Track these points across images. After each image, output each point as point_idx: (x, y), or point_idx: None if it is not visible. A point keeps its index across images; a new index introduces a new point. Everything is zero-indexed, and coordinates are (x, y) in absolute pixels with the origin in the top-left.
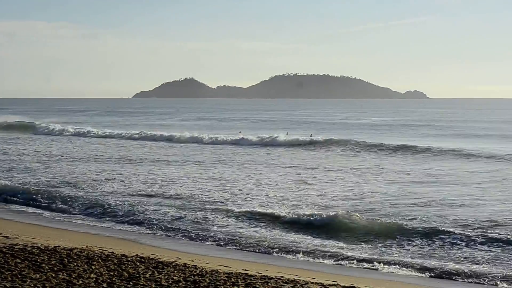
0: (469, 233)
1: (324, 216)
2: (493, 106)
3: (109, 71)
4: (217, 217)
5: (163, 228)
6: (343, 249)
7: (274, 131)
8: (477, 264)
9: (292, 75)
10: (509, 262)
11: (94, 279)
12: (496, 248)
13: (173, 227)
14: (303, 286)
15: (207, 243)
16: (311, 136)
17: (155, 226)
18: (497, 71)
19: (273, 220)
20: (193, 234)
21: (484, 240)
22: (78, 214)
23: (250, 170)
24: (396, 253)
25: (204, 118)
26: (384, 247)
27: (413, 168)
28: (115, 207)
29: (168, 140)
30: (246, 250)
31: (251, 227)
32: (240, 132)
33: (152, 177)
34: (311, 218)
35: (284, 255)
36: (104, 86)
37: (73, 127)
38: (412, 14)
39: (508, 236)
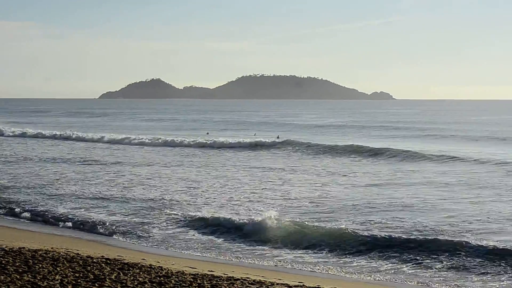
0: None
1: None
2: (457, 107)
3: (75, 72)
4: (163, 220)
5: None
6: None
7: (241, 132)
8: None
9: (259, 75)
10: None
11: (59, 280)
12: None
13: (116, 228)
14: (269, 287)
15: (144, 244)
16: (278, 137)
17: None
18: (463, 72)
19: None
20: (134, 236)
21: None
22: (29, 218)
23: (216, 172)
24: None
25: (170, 119)
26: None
27: (358, 169)
28: (70, 210)
29: (134, 143)
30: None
31: (194, 231)
32: (207, 133)
33: (114, 179)
34: (244, 223)
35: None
36: (70, 87)
37: (32, 129)
38: (378, 15)
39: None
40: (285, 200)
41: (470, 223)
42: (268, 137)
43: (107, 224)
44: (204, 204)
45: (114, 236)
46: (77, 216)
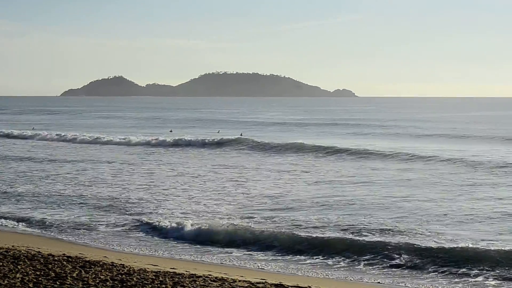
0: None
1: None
2: (418, 104)
3: (36, 69)
4: (112, 220)
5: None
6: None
7: (205, 130)
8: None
9: (221, 73)
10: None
11: (20, 279)
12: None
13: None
14: (231, 284)
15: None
16: (241, 135)
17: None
18: (425, 69)
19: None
20: (87, 233)
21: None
22: None
23: (177, 170)
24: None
25: (133, 117)
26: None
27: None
28: (29, 209)
29: (95, 142)
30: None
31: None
32: (171, 131)
33: (75, 178)
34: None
35: None
36: (31, 84)
37: None
38: (340, 13)
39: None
40: (244, 199)
41: (419, 223)
42: (231, 134)
43: (65, 222)
44: (161, 203)
45: (70, 234)
46: (35, 215)
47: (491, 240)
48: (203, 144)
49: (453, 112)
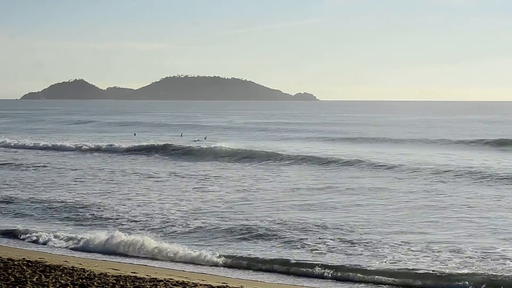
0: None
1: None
2: (376, 108)
3: None
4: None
5: None
6: None
7: (168, 132)
8: None
9: (182, 76)
10: None
11: None
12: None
13: None
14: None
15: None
16: (181, 135)
17: None
18: (387, 73)
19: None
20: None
21: None
22: None
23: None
24: None
25: (95, 121)
26: None
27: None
28: None
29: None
30: None
31: None
32: (134, 134)
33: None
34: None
35: None
36: None
37: None
38: (302, 16)
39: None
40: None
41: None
42: (194, 137)
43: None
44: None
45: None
46: None
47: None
48: (153, 149)
49: (408, 115)
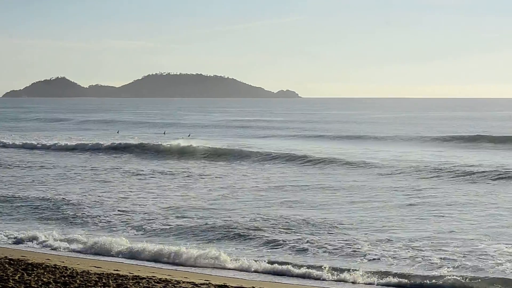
0: None
1: None
2: (357, 105)
3: None
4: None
5: None
6: None
7: (151, 129)
8: None
9: (165, 74)
10: None
11: None
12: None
13: None
14: (175, 285)
15: None
16: (164, 133)
17: None
18: (368, 70)
19: None
20: None
21: None
22: None
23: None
24: None
25: (73, 119)
26: None
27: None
28: None
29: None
30: None
31: None
32: (118, 132)
33: None
34: None
35: None
36: None
37: None
38: (285, 14)
39: None
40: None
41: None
42: (176, 135)
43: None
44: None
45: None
46: None
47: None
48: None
49: (380, 112)
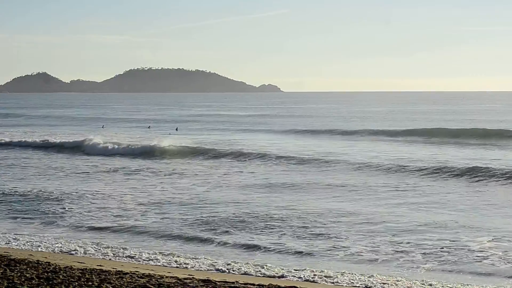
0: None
1: None
2: (339, 99)
3: None
4: None
5: None
6: None
7: (134, 123)
8: None
9: (146, 69)
10: None
11: None
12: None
13: None
14: (158, 280)
15: None
16: (149, 127)
17: None
18: (351, 65)
19: None
20: None
21: None
22: None
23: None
24: None
25: (53, 115)
26: None
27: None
28: None
29: None
30: None
31: None
32: (103, 127)
33: None
34: None
35: None
36: None
37: None
38: (264, 8)
39: None
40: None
41: None
42: (161, 129)
43: None
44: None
45: None
46: None
47: None
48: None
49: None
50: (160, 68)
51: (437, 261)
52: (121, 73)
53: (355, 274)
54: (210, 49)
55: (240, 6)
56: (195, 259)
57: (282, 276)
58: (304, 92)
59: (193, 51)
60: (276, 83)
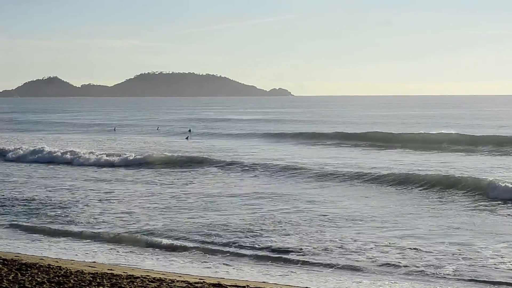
0: None
1: None
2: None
3: None
4: None
5: None
6: None
7: (145, 128)
8: None
9: (157, 73)
10: None
11: None
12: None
13: None
14: (169, 284)
15: None
16: (157, 129)
17: None
18: (358, 69)
19: None
20: None
21: None
22: None
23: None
24: None
25: (73, 119)
26: None
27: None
28: None
29: None
30: None
31: None
32: (114, 129)
33: None
34: None
35: None
36: None
37: None
38: (275, 13)
39: None
40: None
41: None
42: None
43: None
44: None
45: None
46: None
47: None
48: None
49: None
50: (171, 72)
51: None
52: (132, 77)
53: None
54: (221, 53)
55: (250, 11)
56: (206, 263)
57: None
58: (315, 96)
59: (203, 55)
60: (286, 87)
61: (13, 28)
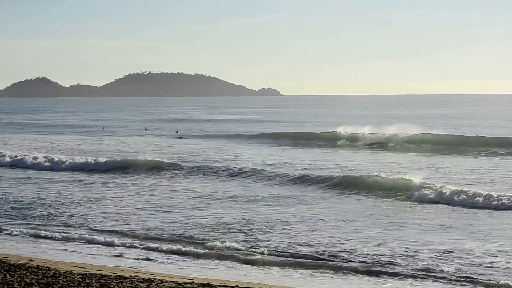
0: None
1: None
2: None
3: None
4: None
5: None
6: None
7: (133, 125)
8: None
9: (146, 73)
10: None
11: None
12: None
13: None
14: (158, 284)
15: None
16: (145, 129)
17: None
18: (351, 68)
19: None
20: None
21: None
22: None
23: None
24: None
25: (63, 118)
26: None
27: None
28: None
29: None
30: None
31: None
32: (103, 129)
33: None
34: None
35: None
36: None
37: None
38: (263, 12)
39: None
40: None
41: None
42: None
43: None
44: None
45: None
46: None
47: None
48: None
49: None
50: (159, 72)
51: None
52: (121, 77)
53: None
54: (210, 53)
55: (240, 10)
56: (195, 263)
57: None
58: (303, 95)
59: (193, 55)
60: (276, 86)
61: (1, 28)
